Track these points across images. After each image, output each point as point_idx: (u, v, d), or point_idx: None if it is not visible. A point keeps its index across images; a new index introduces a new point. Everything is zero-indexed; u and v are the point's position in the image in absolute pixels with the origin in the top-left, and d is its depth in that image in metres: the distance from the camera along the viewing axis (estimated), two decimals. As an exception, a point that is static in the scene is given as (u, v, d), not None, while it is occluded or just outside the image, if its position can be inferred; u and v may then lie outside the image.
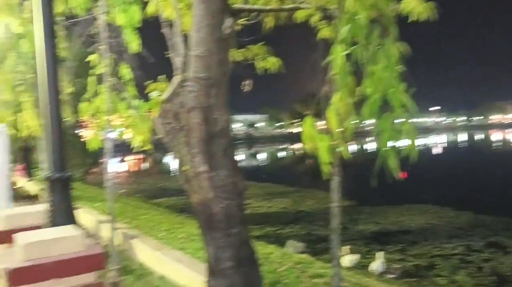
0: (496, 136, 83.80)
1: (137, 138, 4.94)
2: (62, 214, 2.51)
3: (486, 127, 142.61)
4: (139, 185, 24.05)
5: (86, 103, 5.01)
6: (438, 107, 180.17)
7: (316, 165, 2.20)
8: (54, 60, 2.63)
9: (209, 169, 2.64)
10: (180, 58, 3.03)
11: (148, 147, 5.10)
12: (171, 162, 48.98)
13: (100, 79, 5.18)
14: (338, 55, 2.14)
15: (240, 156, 50.47)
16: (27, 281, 1.69)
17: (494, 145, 61.94)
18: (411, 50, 2.24)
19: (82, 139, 19.24)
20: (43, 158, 8.75)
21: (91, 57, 4.96)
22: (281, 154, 61.17)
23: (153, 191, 21.42)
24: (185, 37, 3.15)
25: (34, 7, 2.63)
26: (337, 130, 2.11)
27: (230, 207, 2.67)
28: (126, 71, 4.91)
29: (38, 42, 2.62)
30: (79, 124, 17.95)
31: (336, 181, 2.27)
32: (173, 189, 21.45)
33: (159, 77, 3.25)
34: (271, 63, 4.46)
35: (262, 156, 53.41)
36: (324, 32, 4.05)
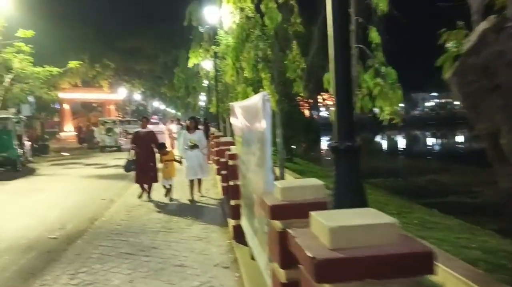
0: None
1: (386, 109, 4.39)
2: (350, 191, 2.13)
3: None
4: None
5: (329, 74, 4.70)
6: None
7: None
8: (344, 35, 2.27)
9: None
10: (479, -1, 2.28)
11: (397, 119, 4.50)
12: (382, 141, 47.09)
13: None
14: None
15: (460, 138, 44.96)
16: (336, 277, 1.31)
17: None
18: None
19: (304, 117, 20.35)
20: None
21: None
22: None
23: (366, 170, 20.79)
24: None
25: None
26: None
27: None
28: (375, 35, 4.38)
29: (329, 17, 2.29)
30: (300, 103, 18.79)
31: None
32: (386, 169, 20.43)
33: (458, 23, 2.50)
34: None
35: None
36: None
